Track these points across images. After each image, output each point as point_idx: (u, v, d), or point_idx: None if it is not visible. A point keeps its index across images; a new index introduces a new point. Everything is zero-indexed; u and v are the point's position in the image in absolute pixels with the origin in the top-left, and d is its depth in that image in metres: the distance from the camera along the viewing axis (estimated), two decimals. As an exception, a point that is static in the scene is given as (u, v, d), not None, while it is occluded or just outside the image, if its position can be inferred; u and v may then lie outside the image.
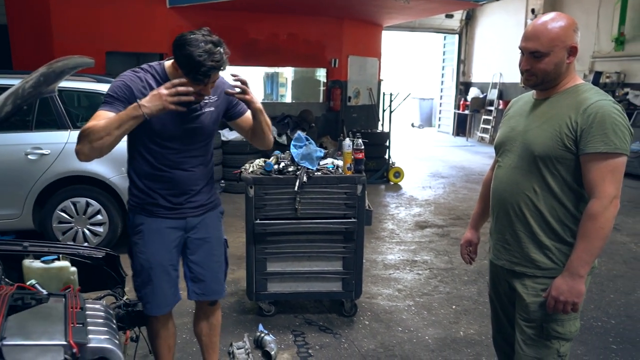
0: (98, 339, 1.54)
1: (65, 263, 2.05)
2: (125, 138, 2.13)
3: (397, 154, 9.68)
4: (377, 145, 8.36)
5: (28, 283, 1.87)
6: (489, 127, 13.94)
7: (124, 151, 2.36)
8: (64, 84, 3.99)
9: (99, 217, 4.76)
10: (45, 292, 1.77)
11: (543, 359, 1.96)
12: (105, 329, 1.63)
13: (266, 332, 3.30)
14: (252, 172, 3.51)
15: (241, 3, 8.21)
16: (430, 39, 17.00)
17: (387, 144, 8.67)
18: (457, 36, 15.71)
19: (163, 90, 2.00)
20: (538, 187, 1.91)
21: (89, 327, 1.57)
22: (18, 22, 7.71)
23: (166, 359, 2.54)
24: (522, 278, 1.99)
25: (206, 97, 2.28)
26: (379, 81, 11.49)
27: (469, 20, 15.24)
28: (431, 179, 9.16)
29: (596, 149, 1.77)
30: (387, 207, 7.06)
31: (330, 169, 3.53)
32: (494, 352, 2.41)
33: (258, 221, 3.43)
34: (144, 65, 2.27)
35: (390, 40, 15.31)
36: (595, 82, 10.15)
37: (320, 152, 3.59)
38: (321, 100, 10.58)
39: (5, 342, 1.40)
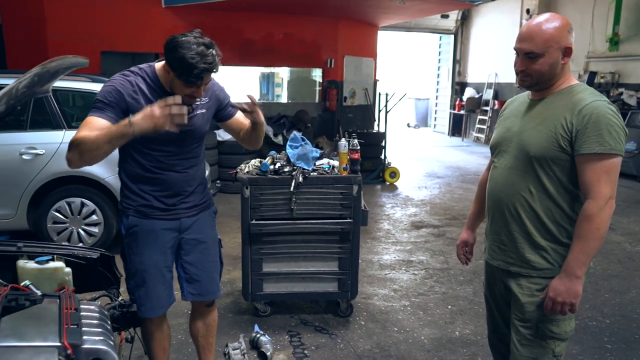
0: (93, 340, 1.53)
1: (59, 264, 2.03)
2: None
3: (393, 154, 9.69)
4: (372, 145, 8.37)
5: (22, 284, 1.85)
6: (484, 127, 13.98)
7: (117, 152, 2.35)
8: (59, 83, 3.99)
9: (94, 217, 4.75)
10: (39, 293, 1.75)
11: (538, 359, 1.97)
12: (100, 330, 1.62)
13: (262, 332, 3.30)
14: (247, 172, 3.51)
15: (236, 3, 8.20)
16: (426, 39, 17.05)
17: (383, 144, 8.68)
18: (452, 36, 15.76)
19: (156, 110, 1.92)
20: (533, 188, 1.91)
21: (83, 329, 1.56)
22: (12, 22, 7.68)
23: (161, 360, 2.53)
24: (517, 278, 1.99)
25: (198, 99, 2.27)
26: (375, 81, 11.51)
27: (465, 21, 15.28)
28: (427, 179, 9.17)
29: (591, 149, 1.78)
30: (382, 208, 7.07)
31: (326, 169, 3.53)
32: (489, 352, 2.41)
33: (254, 221, 3.42)
34: (134, 68, 2.24)
35: (386, 41, 15.34)
36: (590, 82, 10.20)
37: (316, 153, 3.58)
38: (317, 100, 10.58)
39: (-2, 344, 1.39)
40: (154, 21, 8.09)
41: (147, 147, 2.23)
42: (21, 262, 2.01)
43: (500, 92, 13.63)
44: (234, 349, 3.10)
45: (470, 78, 15.23)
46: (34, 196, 4.61)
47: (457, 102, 15.25)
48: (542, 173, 1.89)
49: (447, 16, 14.61)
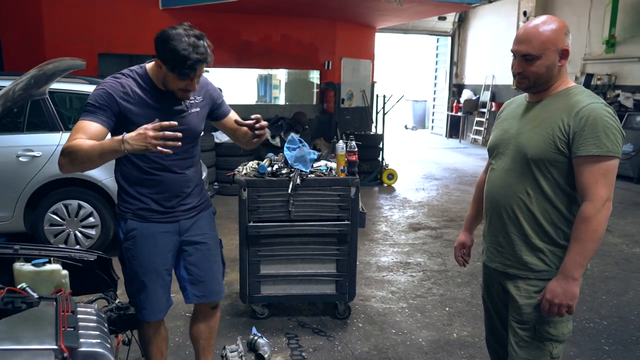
0: (89, 343, 1.53)
1: (56, 266, 2.03)
2: None
3: (390, 156, 9.69)
4: (370, 147, 8.37)
5: (19, 286, 1.85)
6: (481, 129, 14.01)
7: None
8: (56, 85, 3.97)
9: (91, 219, 4.74)
10: (36, 295, 1.75)
11: (536, 361, 1.97)
12: (97, 332, 1.62)
13: (259, 335, 3.29)
14: (245, 174, 3.50)
15: (234, 5, 8.20)
16: (423, 41, 17.09)
17: (381, 146, 8.68)
18: (449, 38, 15.79)
19: (150, 131, 1.88)
20: (531, 190, 1.92)
21: (80, 331, 1.55)
22: (10, 23, 7.67)
23: (158, 364, 2.52)
24: (515, 280, 2.00)
25: (192, 98, 2.27)
26: (373, 83, 11.52)
27: (462, 23, 15.32)
28: (424, 181, 9.18)
29: (588, 151, 1.78)
30: (380, 209, 7.07)
31: (324, 171, 3.53)
32: (487, 354, 2.41)
33: (251, 224, 3.42)
34: (125, 71, 2.24)
35: (384, 43, 15.36)
36: (587, 85, 10.23)
37: (314, 155, 3.59)
38: (314, 102, 10.59)
39: (-5, 347, 1.39)
40: (151, 23, 8.08)
41: None
42: (18, 265, 2.00)
43: (498, 94, 13.66)
44: (231, 352, 3.09)
45: (468, 80, 15.27)
46: (30, 198, 4.60)
47: (454, 104, 15.28)
48: (540, 175, 1.89)
49: (444, 18, 14.64)
